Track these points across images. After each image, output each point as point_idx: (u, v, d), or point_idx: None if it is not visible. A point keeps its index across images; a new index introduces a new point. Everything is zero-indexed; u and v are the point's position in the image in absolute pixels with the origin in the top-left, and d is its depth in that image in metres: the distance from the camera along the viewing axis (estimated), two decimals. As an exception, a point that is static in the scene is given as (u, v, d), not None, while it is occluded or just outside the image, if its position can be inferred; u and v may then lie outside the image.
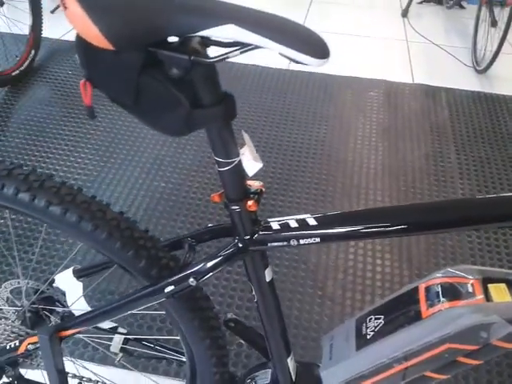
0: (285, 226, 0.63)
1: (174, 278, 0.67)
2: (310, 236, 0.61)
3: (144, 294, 0.69)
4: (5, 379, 0.88)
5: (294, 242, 0.62)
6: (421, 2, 3.66)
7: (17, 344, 0.79)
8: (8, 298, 0.91)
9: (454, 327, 0.62)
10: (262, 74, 2.55)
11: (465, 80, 2.64)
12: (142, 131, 2.10)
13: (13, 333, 0.84)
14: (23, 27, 2.43)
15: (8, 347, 0.80)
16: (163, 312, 0.79)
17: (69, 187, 0.69)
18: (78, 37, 0.53)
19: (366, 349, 0.70)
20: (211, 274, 0.66)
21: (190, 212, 1.75)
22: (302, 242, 0.62)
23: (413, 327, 0.66)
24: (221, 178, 0.61)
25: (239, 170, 0.60)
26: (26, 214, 0.68)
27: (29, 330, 0.83)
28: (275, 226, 0.64)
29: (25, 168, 0.68)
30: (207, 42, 0.53)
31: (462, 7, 3.64)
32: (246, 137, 0.59)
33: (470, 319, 0.61)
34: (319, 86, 2.49)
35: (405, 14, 3.45)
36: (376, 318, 0.72)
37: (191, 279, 0.66)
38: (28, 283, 0.89)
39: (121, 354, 0.91)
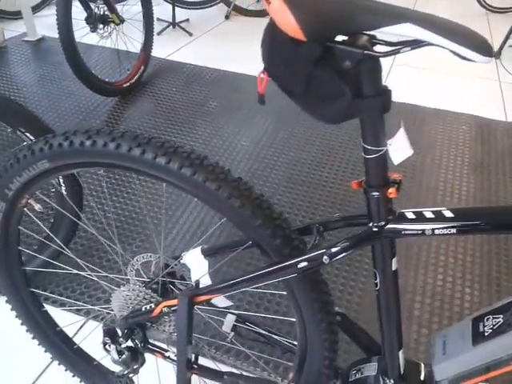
0: (420, 216, 0.68)
1: (310, 254, 0.73)
2: (446, 227, 0.66)
3: (277, 268, 0.76)
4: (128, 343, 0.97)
5: (428, 232, 0.67)
6: (515, 44, 3.63)
7: (152, 307, 0.88)
8: (138, 269, 1.01)
9: None
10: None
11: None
12: (236, 147, 2.22)
13: (145, 299, 0.93)
14: (136, 44, 2.66)
15: (143, 309, 0.90)
16: (283, 292, 0.85)
17: (221, 167, 0.78)
18: (265, 33, 0.63)
19: (483, 345, 0.73)
20: (344, 254, 0.72)
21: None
22: (437, 232, 0.67)
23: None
24: (365, 164, 0.68)
25: (385, 158, 0.67)
26: (182, 188, 0.77)
27: (159, 298, 0.93)
28: (410, 215, 0.69)
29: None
30: (374, 40, 0.61)
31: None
32: (402, 125, 0.66)
33: None
34: (410, 116, 2.53)
35: (497, 55, 3.43)
36: (494, 318, 0.75)
37: (325, 257, 0.72)
38: (158, 258, 0.99)
39: (232, 333, 0.98)
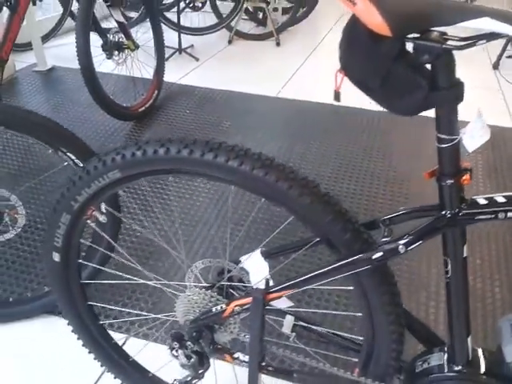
0: (492, 202, 0.72)
1: (385, 245, 0.77)
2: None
3: (352, 260, 0.79)
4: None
5: (501, 215, 0.71)
6: (510, 57, 3.74)
7: (223, 307, 0.90)
8: (196, 275, 1.03)
9: None
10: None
11: None
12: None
13: (210, 302, 0.95)
14: (149, 70, 2.72)
15: (214, 310, 0.92)
16: (342, 288, 0.87)
17: (289, 167, 0.81)
18: (344, 35, 0.68)
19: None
20: (419, 243, 0.75)
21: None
22: (510, 215, 0.71)
23: None
24: (439, 153, 0.72)
25: (458, 147, 0.71)
26: (254, 189, 0.81)
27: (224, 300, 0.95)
28: (482, 201, 0.73)
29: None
30: (445, 35, 0.65)
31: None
32: (478, 112, 0.70)
33: None
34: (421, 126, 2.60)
35: (496, 66, 3.54)
36: None
37: (400, 246, 0.75)
38: (218, 262, 1.01)
39: (293, 334, 0.99)
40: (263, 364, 0.93)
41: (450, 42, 0.65)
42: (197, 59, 3.51)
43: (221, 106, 2.84)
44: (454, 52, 0.64)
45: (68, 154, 1.37)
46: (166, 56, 3.39)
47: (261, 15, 4.39)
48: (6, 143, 2.31)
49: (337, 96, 0.71)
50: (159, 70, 2.77)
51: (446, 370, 0.88)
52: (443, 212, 0.75)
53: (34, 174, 2.13)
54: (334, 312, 1.00)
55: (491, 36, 0.61)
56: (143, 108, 2.63)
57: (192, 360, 0.97)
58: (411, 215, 0.85)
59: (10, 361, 1.38)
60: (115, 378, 1.18)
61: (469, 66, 3.70)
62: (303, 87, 3.04)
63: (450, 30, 0.64)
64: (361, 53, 0.67)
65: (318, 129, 2.54)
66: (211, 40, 3.95)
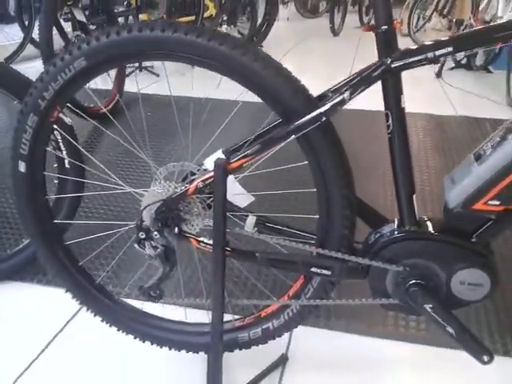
0: (421, 46, 0.82)
1: (331, 99, 0.84)
2: (444, 46, 0.80)
3: (303, 120, 0.85)
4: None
5: (430, 55, 0.81)
6: (451, 69, 4.04)
7: (187, 186, 0.94)
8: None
9: None
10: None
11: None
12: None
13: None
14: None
15: (178, 190, 0.95)
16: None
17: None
18: None
19: (486, 160, 0.84)
20: (361, 89, 0.84)
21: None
22: (437, 53, 0.80)
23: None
24: (374, 6, 0.82)
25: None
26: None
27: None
28: (412, 48, 0.83)
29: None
30: None
31: (488, 71, 4.00)
32: None
33: None
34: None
35: (439, 74, 3.81)
36: (491, 140, 0.87)
37: (346, 95, 0.83)
38: (182, 166, 1.05)
39: (255, 229, 1.03)
40: (228, 248, 0.96)
41: None
42: (157, 75, 3.63)
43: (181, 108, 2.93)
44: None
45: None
46: (127, 73, 3.51)
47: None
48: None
49: None
50: (120, 76, 2.86)
51: (396, 233, 0.94)
52: (380, 61, 0.84)
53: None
54: (291, 215, 1.07)
55: None
56: (104, 110, 2.69)
57: (158, 250, 0.99)
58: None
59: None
60: (80, 303, 1.17)
61: (415, 77, 4.06)
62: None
63: None
64: None
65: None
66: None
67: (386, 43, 0.83)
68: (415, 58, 0.82)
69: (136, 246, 1.00)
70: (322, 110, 0.85)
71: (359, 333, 1.30)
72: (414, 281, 0.92)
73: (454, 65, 4.03)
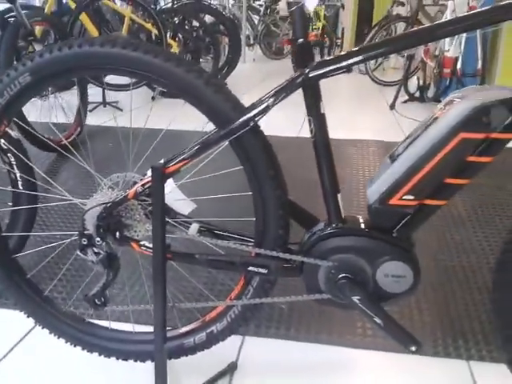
0: (335, 57, 0.91)
1: (257, 105, 0.92)
2: (356, 55, 0.89)
3: (233, 125, 0.93)
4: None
5: (344, 64, 0.90)
6: (405, 102, 4.24)
7: (127, 191, 1.00)
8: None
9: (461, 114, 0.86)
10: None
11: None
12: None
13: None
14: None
15: (119, 196, 1.00)
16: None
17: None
18: None
19: (399, 159, 0.92)
20: (282, 96, 0.92)
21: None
22: (350, 61, 0.89)
23: (432, 127, 0.90)
24: (292, 19, 0.91)
25: (303, 10, 0.90)
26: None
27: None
28: (328, 58, 0.92)
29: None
30: None
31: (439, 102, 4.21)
32: None
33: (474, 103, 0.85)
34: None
35: (392, 107, 4.00)
36: (402, 142, 0.95)
37: (270, 102, 0.91)
38: (125, 176, 1.10)
39: (198, 234, 1.08)
40: (169, 250, 1.00)
41: None
42: (121, 110, 3.71)
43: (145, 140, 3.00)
44: None
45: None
46: (91, 108, 3.58)
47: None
48: None
49: None
50: (82, 109, 2.93)
51: (324, 231, 1.00)
52: (299, 71, 0.92)
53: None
54: (231, 219, 1.13)
55: None
56: (65, 141, 2.73)
57: (101, 256, 1.03)
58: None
59: None
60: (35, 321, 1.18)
61: (369, 108, 4.25)
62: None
63: None
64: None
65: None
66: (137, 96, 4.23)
67: (304, 55, 0.92)
68: (331, 68, 0.91)
69: (79, 252, 1.04)
70: (251, 114, 0.92)
71: (308, 341, 1.34)
72: (342, 275, 0.98)
73: (407, 97, 4.24)
